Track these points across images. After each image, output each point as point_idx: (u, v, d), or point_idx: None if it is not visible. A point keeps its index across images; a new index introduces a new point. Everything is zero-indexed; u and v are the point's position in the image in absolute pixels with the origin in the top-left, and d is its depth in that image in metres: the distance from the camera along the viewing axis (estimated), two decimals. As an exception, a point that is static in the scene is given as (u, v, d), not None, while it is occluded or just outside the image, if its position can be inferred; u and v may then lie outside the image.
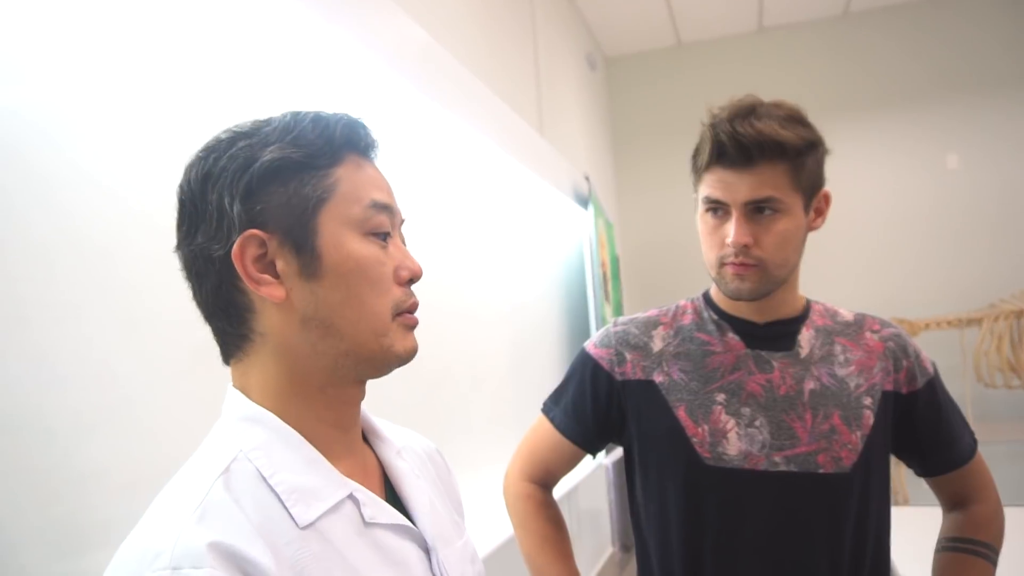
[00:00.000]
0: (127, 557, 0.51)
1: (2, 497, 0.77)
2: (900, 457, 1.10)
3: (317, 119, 0.62)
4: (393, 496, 0.68)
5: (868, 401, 1.02)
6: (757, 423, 1.01)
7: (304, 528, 0.56)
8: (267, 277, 0.59)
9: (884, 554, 1.05)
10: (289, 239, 0.59)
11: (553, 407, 1.16)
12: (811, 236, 1.04)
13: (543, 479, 1.16)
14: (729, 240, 0.97)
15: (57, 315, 0.85)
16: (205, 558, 0.49)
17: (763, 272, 0.98)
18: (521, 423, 2.37)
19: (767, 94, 1.01)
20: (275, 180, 0.59)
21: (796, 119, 0.98)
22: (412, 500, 0.68)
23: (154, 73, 1.03)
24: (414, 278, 0.65)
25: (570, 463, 1.15)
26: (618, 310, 4.08)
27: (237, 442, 0.58)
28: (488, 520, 1.87)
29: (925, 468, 1.10)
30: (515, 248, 2.64)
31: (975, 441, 1.10)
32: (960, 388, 3.79)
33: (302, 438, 0.60)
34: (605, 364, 1.10)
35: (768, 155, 0.95)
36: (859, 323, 1.09)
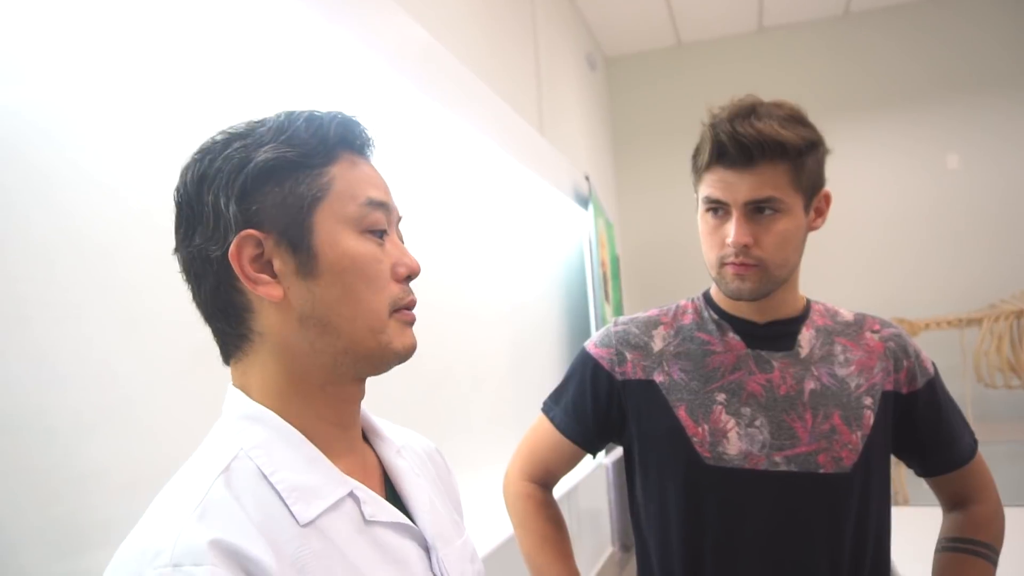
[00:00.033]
0: (127, 556, 0.51)
1: (2, 497, 0.77)
2: (900, 457, 1.10)
3: (311, 118, 0.62)
4: (393, 495, 0.68)
5: (868, 401, 1.02)
6: (757, 423, 1.01)
7: (304, 526, 0.56)
8: (264, 276, 0.59)
9: (884, 554, 1.05)
10: (285, 238, 0.60)
11: (553, 407, 1.16)
12: (811, 236, 1.04)
13: (543, 479, 1.16)
14: (729, 240, 0.97)
15: (57, 315, 0.85)
16: (206, 555, 0.49)
17: (763, 272, 0.98)
18: (521, 423, 2.37)
19: (767, 94, 1.01)
20: (270, 180, 0.59)
21: (797, 119, 0.98)
22: (412, 499, 0.68)
23: (155, 72, 1.03)
24: (412, 275, 0.65)
25: (570, 463, 1.15)
26: (618, 310, 4.08)
27: (238, 440, 0.58)
28: (488, 520, 1.87)
29: (925, 468, 1.10)
30: (515, 248, 2.64)
31: (975, 441, 1.09)
32: (960, 388, 3.79)
33: (302, 436, 0.60)
34: (605, 364, 1.10)
35: (768, 155, 0.95)
36: (859, 323, 1.09)
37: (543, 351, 2.89)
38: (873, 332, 1.07)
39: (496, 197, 2.48)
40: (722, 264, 1.00)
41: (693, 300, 1.13)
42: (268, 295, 0.59)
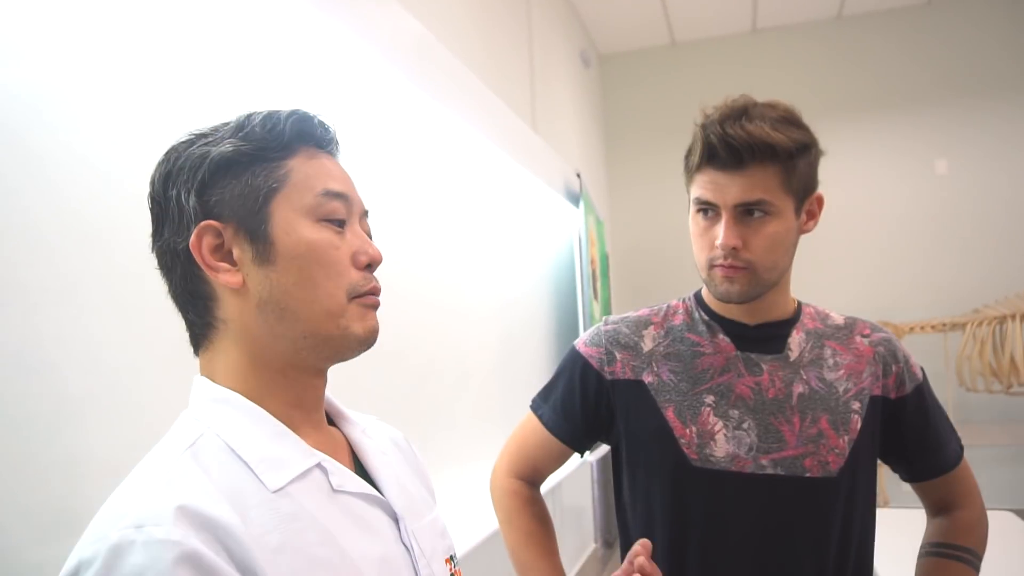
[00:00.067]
0: (95, 523, 0.53)
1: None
2: (887, 462, 1.10)
3: (268, 116, 0.65)
4: (361, 472, 0.70)
5: (856, 406, 1.02)
6: (745, 425, 1.01)
7: (275, 492, 0.58)
8: (224, 265, 0.62)
9: (868, 558, 1.05)
10: (243, 227, 0.62)
11: (542, 404, 1.15)
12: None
13: (530, 476, 1.16)
14: (718, 242, 0.97)
15: (52, 299, 0.85)
16: (167, 517, 0.50)
17: (752, 275, 0.98)
18: (508, 419, 2.37)
19: (760, 95, 1.00)
20: (228, 173, 0.63)
21: (790, 120, 0.97)
22: (379, 474, 0.71)
23: (150, 59, 1.02)
24: (372, 263, 0.67)
25: (558, 461, 1.15)
26: (606, 308, 4.09)
27: (205, 421, 0.61)
28: (473, 515, 1.86)
29: (911, 473, 1.10)
30: (505, 244, 2.64)
31: (961, 448, 1.10)
32: (943, 392, 3.83)
33: (269, 415, 0.62)
34: (595, 363, 1.10)
35: (758, 157, 0.94)
36: (850, 327, 1.09)
37: (531, 348, 2.89)
38: (863, 336, 1.08)
39: (487, 192, 2.47)
40: (711, 266, 1.00)
41: (684, 300, 1.13)
42: (227, 282, 0.62)
